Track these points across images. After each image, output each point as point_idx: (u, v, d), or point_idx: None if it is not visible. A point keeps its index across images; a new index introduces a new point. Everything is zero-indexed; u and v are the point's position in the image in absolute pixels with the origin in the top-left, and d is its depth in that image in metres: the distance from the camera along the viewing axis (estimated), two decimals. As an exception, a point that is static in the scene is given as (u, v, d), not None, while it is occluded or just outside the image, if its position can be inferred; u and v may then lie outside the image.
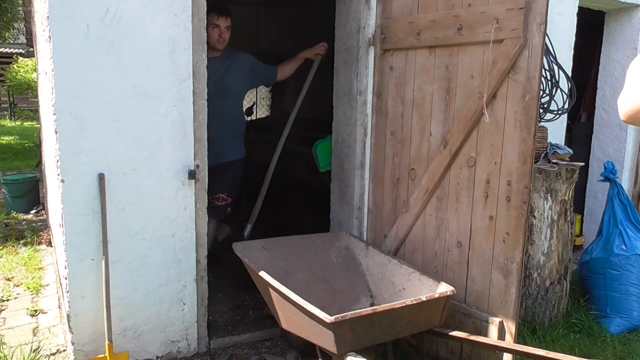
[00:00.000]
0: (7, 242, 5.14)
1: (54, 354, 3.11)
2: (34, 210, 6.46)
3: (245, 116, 7.62)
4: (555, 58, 3.43)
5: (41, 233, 5.44)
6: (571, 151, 3.76)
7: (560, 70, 3.45)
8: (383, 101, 3.47)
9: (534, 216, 3.48)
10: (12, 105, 19.03)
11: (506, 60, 2.66)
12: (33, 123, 16.99)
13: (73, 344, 2.82)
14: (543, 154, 3.64)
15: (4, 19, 14.26)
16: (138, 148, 2.82)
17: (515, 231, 2.70)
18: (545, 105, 3.46)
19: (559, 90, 3.48)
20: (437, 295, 2.62)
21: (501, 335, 2.79)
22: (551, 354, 2.34)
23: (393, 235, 3.41)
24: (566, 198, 3.57)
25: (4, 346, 3.15)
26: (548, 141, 3.72)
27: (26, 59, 16.20)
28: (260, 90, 8.79)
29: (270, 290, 2.72)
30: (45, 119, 4.20)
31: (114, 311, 2.80)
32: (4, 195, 6.63)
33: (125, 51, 2.71)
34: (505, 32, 2.65)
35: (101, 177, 2.72)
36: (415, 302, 2.53)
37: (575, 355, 3.00)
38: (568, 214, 3.63)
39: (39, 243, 5.18)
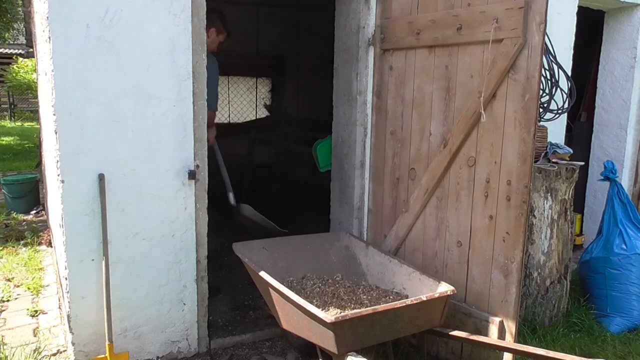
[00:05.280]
0: (8, 243, 5.14)
1: (54, 355, 3.11)
2: (34, 211, 6.46)
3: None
4: (554, 57, 3.44)
5: (41, 234, 5.44)
6: (571, 150, 3.76)
7: (559, 70, 3.45)
8: (383, 101, 3.47)
9: (534, 215, 3.48)
10: (12, 106, 19.04)
11: (506, 59, 2.66)
12: (33, 124, 17.00)
13: (73, 344, 2.82)
14: (543, 154, 3.64)
15: (4, 19, 14.27)
16: (138, 148, 2.82)
17: (515, 231, 2.70)
18: (545, 105, 3.46)
19: (558, 89, 3.48)
20: (437, 295, 2.62)
21: (501, 334, 2.79)
22: (552, 354, 2.34)
23: (393, 235, 3.41)
24: (566, 197, 3.57)
25: (5, 347, 3.15)
26: (548, 140, 3.72)
27: (26, 60, 16.20)
28: (260, 90, 8.80)
29: (271, 290, 2.72)
30: (45, 120, 4.20)
31: (114, 311, 2.80)
32: (4, 196, 6.63)
33: (125, 51, 2.71)
34: (505, 32, 2.65)
35: (101, 178, 2.72)
36: (415, 301, 2.53)
37: (575, 354, 3.00)
38: (568, 213, 3.63)
39: (39, 244, 5.18)
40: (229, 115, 8.06)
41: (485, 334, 2.81)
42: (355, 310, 2.44)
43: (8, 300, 3.89)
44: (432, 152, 3.13)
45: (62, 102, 2.61)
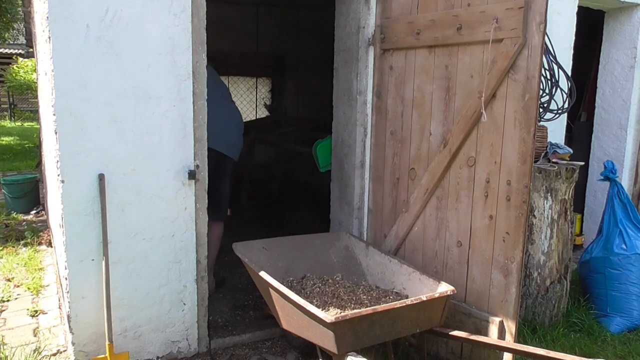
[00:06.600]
0: (8, 243, 5.14)
1: (54, 355, 3.11)
2: (34, 211, 6.46)
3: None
4: (554, 57, 3.43)
5: (41, 234, 5.44)
6: (571, 150, 3.76)
7: (559, 70, 3.45)
8: (383, 101, 3.47)
9: (534, 215, 3.48)
10: (12, 106, 19.04)
11: (506, 59, 2.66)
12: (33, 124, 17.00)
13: (73, 344, 2.82)
14: (543, 154, 3.64)
15: (4, 19, 14.27)
16: (138, 148, 2.82)
17: (515, 231, 2.70)
18: (545, 105, 3.46)
19: (558, 89, 3.48)
20: (437, 295, 2.61)
21: (501, 334, 2.79)
22: (552, 354, 2.34)
23: (393, 235, 3.41)
24: (566, 197, 3.57)
25: (5, 347, 3.15)
26: (548, 140, 3.72)
27: (26, 60, 16.20)
28: (260, 90, 8.80)
29: (271, 290, 2.72)
30: (45, 120, 4.20)
31: (114, 311, 2.80)
32: (4, 196, 6.63)
33: (125, 51, 2.71)
34: (505, 32, 2.65)
35: (101, 178, 2.72)
36: (415, 301, 2.53)
37: (575, 354, 3.00)
38: (568, 213, 3.63)
39: (39, 244, 5.18)
40: (229, 115, 8.06)
41: (485, 334, 2.81)
42: (355, 310, 2.44)
43: (8, 300, 3.89)
44: (432, 152, 3.13)
45: (62, 102, 2.61)
